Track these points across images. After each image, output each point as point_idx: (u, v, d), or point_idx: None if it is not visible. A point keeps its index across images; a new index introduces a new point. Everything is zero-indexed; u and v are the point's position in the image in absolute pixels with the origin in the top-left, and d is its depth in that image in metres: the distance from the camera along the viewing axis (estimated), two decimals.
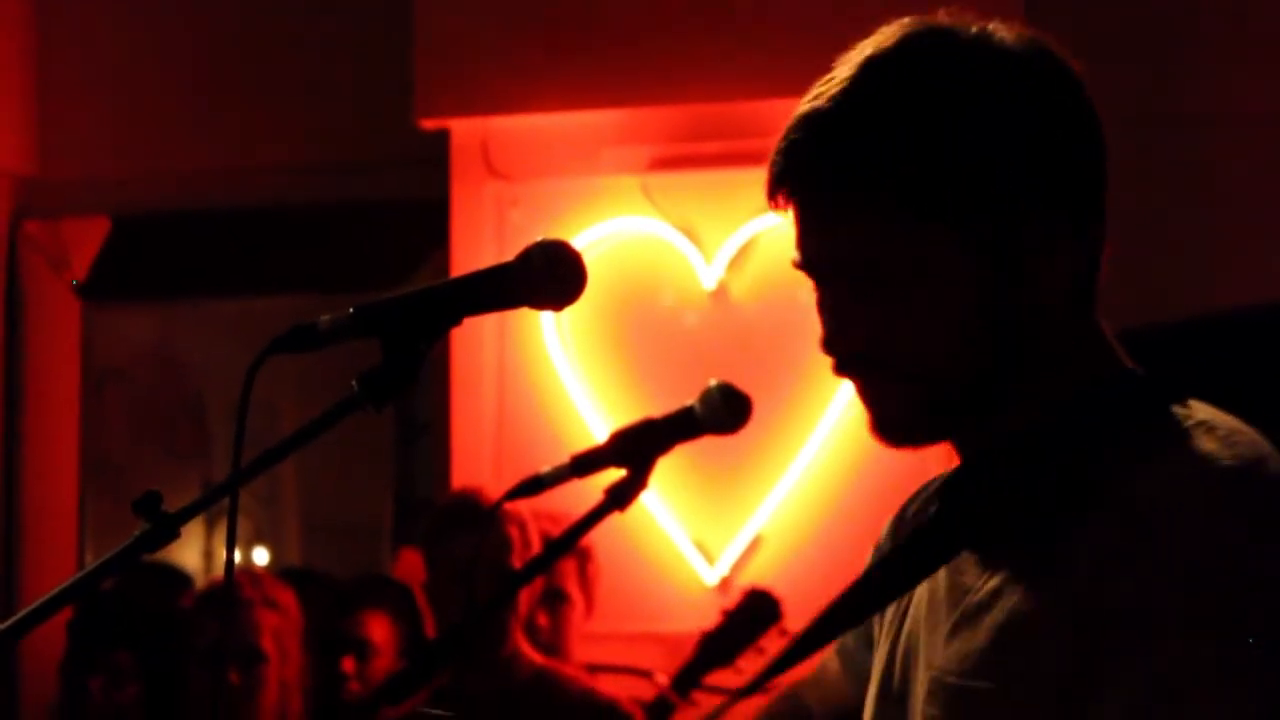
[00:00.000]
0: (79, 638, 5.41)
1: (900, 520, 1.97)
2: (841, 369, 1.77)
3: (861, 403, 1.78)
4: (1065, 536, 1.67)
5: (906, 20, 1.79)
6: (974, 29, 1.77)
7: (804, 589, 5.16)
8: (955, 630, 1.74)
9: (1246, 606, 1.57)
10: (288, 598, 4.52)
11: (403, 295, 1.84)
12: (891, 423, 1.77)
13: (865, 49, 1.77)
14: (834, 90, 1.74)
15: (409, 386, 1.84)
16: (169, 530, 1.82)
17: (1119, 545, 1.62)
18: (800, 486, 5.62)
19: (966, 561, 1.76)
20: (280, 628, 4.43)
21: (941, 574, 1.79)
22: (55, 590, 1.82)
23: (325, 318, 1.84)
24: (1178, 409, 1.72)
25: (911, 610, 1.85)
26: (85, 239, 6.56)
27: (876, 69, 1.74)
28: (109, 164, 6.49)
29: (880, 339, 1.74)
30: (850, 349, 1.75)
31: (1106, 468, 1.67)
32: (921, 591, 1.83)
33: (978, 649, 1.70)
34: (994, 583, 1.72)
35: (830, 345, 1.77)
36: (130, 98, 6.48)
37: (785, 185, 1.75)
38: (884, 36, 1.77)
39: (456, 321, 1.85)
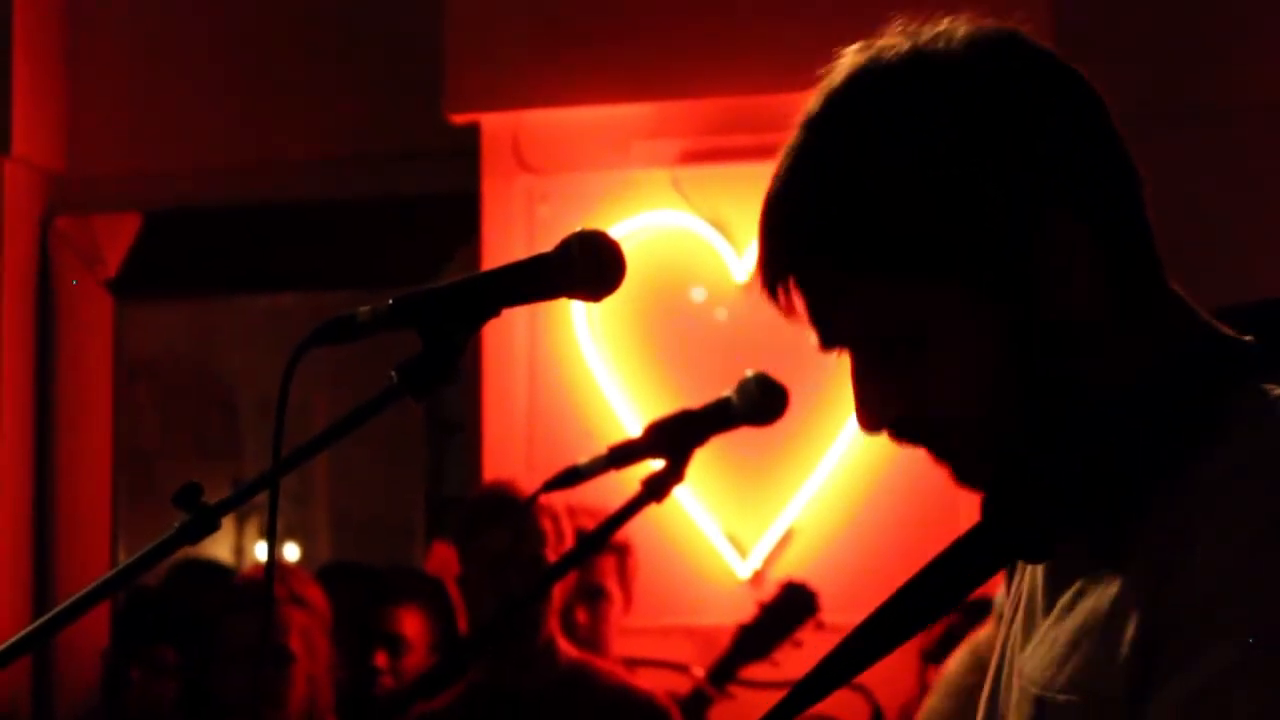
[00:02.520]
0: (124, 629, 5.43)
1: None
2: (895, 438, 1.70)
3: (934, 462, 1.71)
4: (1136, 531, 1.60)
5: (838, 66, 1.70)
6: (909, 52, 1.66)
7: (835, 582, 5.16)
8: (1041, 638, 1.69)
9: None
10: (315, 593, 4.52)
11: (441, 286, 1.84)
12: (968, 474, 1.70)
13: (807, 107, 1.69)
14: (784, 168, 1.68)
15: (448, 378, 1.83)
16: (209, 522, 1.82)
17: (1181, 537, 1.56)
18: (832, 480, 5.61)
19: (1055, 563, 1.70)
20: (307, 625, 4.43)
21: (1039, 574, 1.73)
22: (98, 581, 1.82)
23: (364, 309, 1.84)
24: (1263, 384, 1.63)
25: (1015, 610, 1.79)
26: (116, 235, 6.57)
27: (817, 133, 1.67)
28: (140, 160, 6.51)
29: (913, 403, 1.67)
30: (884, 418, 1.69)
31: (1175, 455, 1.60)
32: (1021, 590, 1.77)
33: (1057, 659, 1.64)
34: (1076, 585, 1.66)
35: (863, 416, 1.70)
36: (160, 94, 6.49)
37: (774, 281, 1.69)
38: (819, 92, 1.69)
39: (495, 312, 1.84)
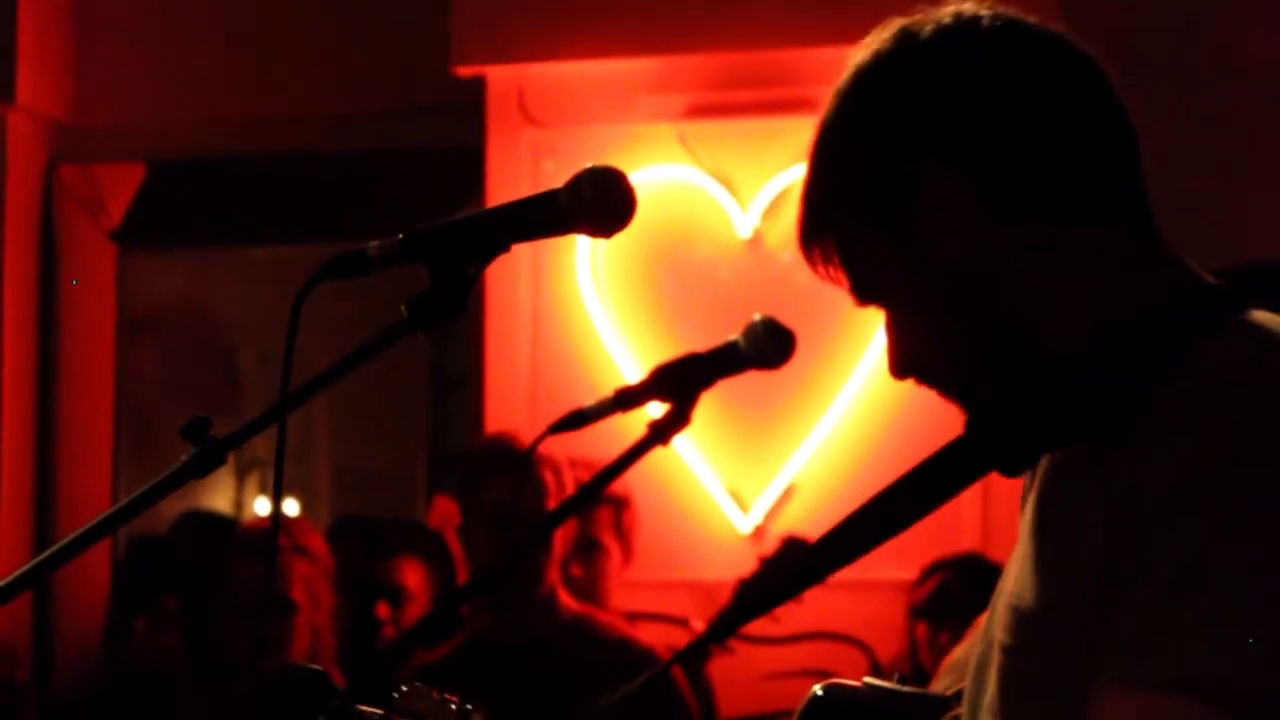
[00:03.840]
0: (128, 579, 5.44)
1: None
2: (919, 384, 1.83)
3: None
4: (1105, 450, 1.66)
5: None
6: (891, 39, 1.79)
7: None
8: (1020, 553, 1.75)
9: (1261, 512, 1.56)
10: (318, 543, 4.53)
11: (452, 221, 1.84)
12: (970, 416, 1.80)
13: None
14: None
15: (457, 313, 1.83)
16: (217, 455, 1.82)
17: (1144, 455, 1.62)
18: (834, 435, 5.62)
19: (1043, 486, 1.77)
20: (310, 575, 4.44)
21: (1032, 499, 1.79)
22: (105, 513, 1.82)
23: (374, 244, 1.84)
24: (1237, 317, 1.69)
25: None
26: (121, 185, 6.57)
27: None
28: (145, 110, 6.49)
29: (907, 350, 1.80)
30: (894, 367, 1.81)
31: (1143, 380, 1.66)
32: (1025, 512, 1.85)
33: (1031, 571, 1.71)
34: (1055, 503, 1.73)
35: (888, 365, 1.83)
36: (166, 44, 6.48)
37: (805, 250, 1.84)
38: None
39: (506, 247, 1.84)
